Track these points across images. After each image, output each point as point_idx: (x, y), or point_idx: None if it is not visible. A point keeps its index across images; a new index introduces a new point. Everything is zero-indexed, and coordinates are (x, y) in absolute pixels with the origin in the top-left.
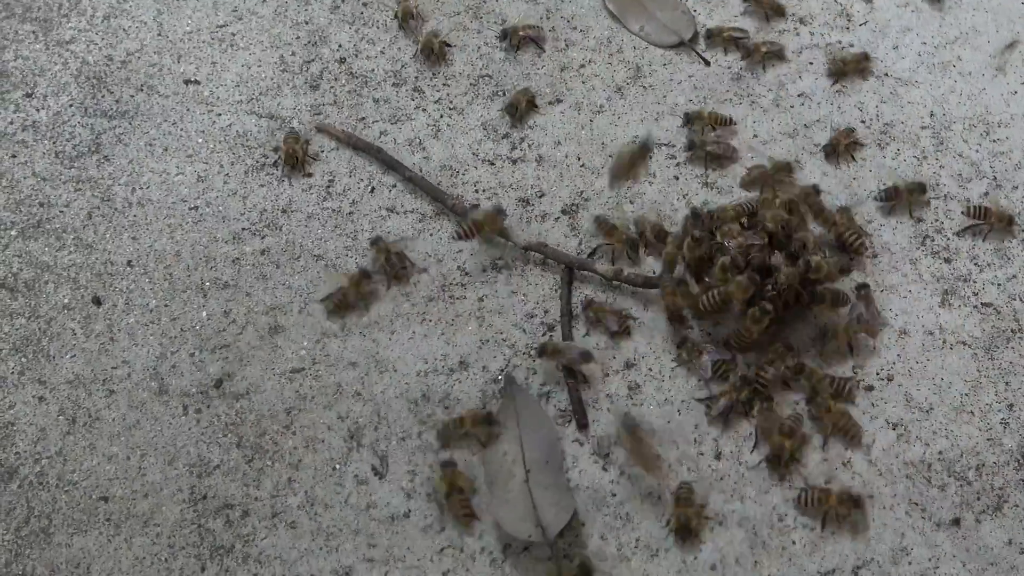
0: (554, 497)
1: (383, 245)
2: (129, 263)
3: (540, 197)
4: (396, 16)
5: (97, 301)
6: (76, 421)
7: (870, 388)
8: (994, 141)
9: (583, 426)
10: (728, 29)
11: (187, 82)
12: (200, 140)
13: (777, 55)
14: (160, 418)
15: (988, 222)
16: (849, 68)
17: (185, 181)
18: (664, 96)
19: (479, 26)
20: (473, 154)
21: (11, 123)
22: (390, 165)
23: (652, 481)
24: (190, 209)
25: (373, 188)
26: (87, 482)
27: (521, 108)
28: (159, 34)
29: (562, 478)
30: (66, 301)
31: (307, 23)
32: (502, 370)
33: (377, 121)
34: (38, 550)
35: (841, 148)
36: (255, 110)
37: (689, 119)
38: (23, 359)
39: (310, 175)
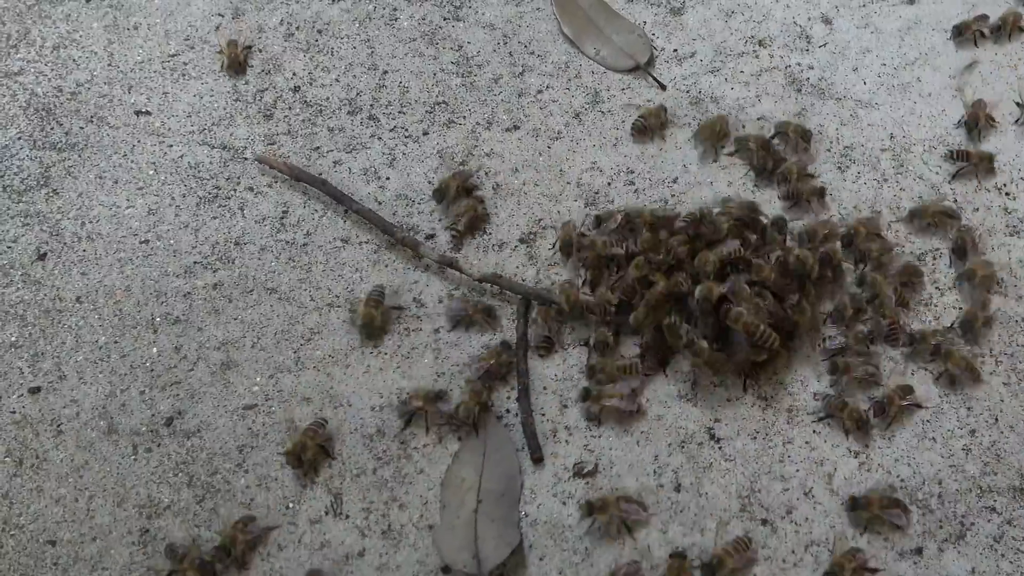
0: (499, 531)
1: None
2: (78, 299)
3: (497, 226)
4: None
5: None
6: (23, 463)
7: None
8: (954, 163)
9: (537, 460)
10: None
11: (138, 113)
12: (151, 172)
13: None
14: (109, 458)
15: (971, 163)
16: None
17: (136, 214)
18: (623, 121)
19: (435, 52)
20: (429, 183)
21: None
22: (336, 198)
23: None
24: (141, 243)
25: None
26: (34, 525)
27: (450, 194)
28: (109, 64)
29: (514, 514)
30: (13, 339)
31: (261, 51)
32: (459, 404)
33: (332, 150)
34: None
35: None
36: (207, 140)
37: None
38: None
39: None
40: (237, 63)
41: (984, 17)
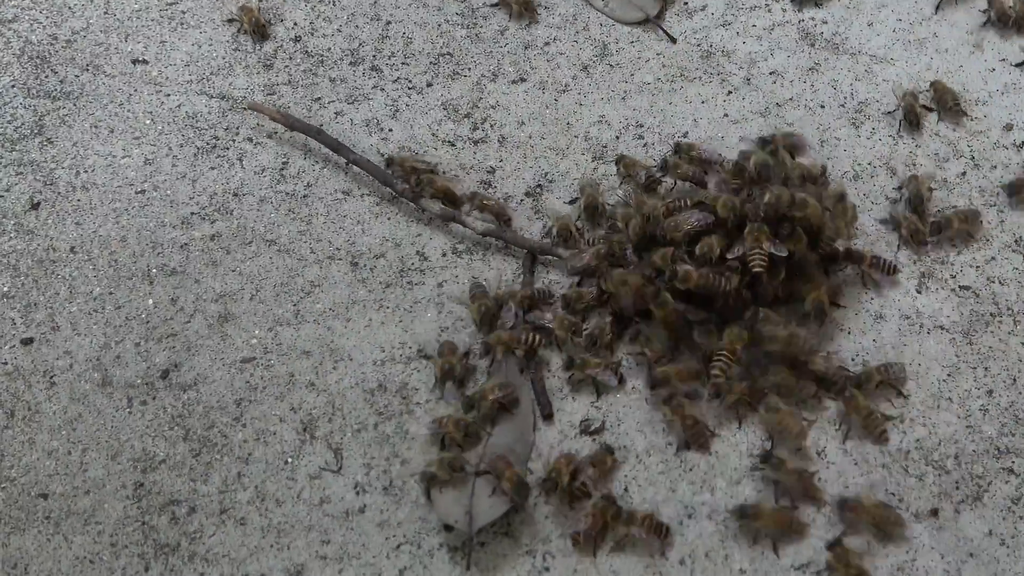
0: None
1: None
2: (72, 249)
3: (502, 179)
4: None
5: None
6: (15, 414)
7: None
8: (972, 120)
9: (548, 416)
10: None
11: (135, 61)
12: (148, 121)
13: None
14: (103, 411)
15: None
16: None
17: (132, 164)
18: (632, 75)
19: (439, 3)
20: (433, 135)
21: None
22: (332, 147)
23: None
24: (137, 193)
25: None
26: (25, 478)
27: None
28: (106, 12)
29: (520, 471)
30: (6, 289)
31: (261, 0)
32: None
33: (333, 101)
34: None
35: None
36: (206, 90)
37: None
38: None
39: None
40: (259, 26)
41: None
